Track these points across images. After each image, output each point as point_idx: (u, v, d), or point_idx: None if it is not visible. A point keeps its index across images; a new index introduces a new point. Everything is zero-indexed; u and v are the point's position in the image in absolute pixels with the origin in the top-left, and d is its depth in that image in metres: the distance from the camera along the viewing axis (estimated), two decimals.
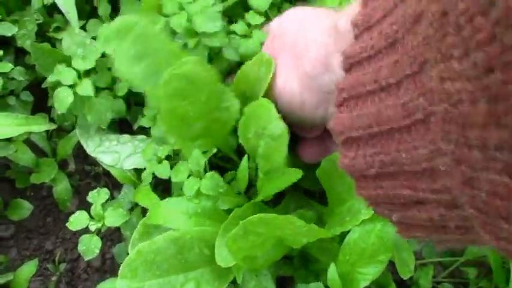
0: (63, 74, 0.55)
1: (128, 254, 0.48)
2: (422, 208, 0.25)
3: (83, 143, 0.60)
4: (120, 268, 0.46)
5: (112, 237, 0.65)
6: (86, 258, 0.55)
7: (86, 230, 0.55)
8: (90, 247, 0.56)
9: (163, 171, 0.53)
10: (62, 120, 0.64)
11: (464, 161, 0.20)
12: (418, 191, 0.25)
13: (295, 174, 0.45)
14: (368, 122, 0.27)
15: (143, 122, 0.57)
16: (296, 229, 0.43)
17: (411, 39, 0.24)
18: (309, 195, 0.63)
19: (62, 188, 0.63)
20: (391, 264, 0.54)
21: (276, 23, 0.51)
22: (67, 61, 0.60)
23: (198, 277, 0.49)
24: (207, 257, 0.49)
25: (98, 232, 0.55)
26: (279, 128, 0.45)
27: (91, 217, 0.55)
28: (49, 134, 0.64)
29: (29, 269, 0.59)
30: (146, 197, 0.54)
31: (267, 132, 0.45)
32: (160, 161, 0.54)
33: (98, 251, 0.55)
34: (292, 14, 0.49)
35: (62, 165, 0.63)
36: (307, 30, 0.44)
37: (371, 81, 0.27)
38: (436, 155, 0.23)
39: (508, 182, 0.19)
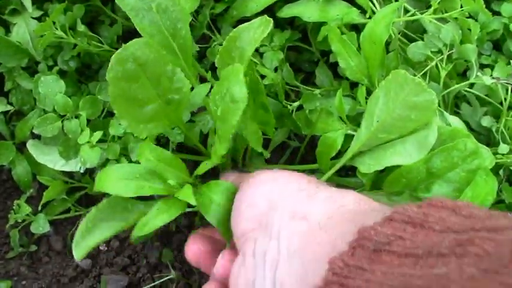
0: None
1: None
2: None
3: None
4: None
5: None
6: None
7: None
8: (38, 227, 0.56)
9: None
10: (20, 104, 0.63)
11: None
12: None
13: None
14: None
15: None
16: None
17: None
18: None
19: (22, 170, 0.63)
20: None
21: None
22: (19, 49, 0.61)
23: None
24: None
25: None
26: (240, 92, 0.44)
27: None
28: (7, 118, 0.64)
29: None
30: None
31: (229, 94, 0.44)
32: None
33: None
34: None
35: (21, 148, 0.63)
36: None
37: None
38: None
39: None
